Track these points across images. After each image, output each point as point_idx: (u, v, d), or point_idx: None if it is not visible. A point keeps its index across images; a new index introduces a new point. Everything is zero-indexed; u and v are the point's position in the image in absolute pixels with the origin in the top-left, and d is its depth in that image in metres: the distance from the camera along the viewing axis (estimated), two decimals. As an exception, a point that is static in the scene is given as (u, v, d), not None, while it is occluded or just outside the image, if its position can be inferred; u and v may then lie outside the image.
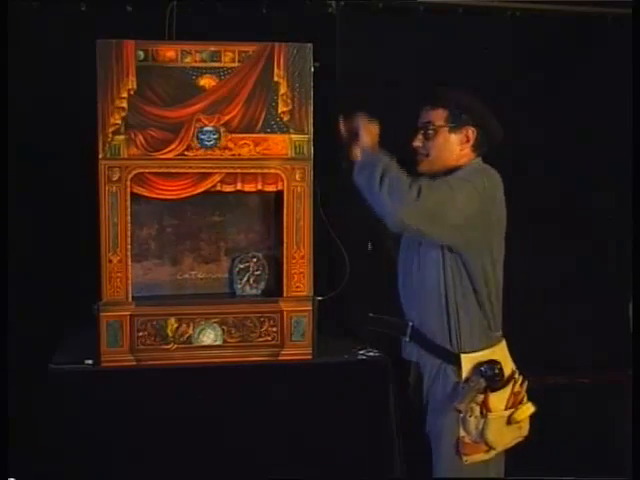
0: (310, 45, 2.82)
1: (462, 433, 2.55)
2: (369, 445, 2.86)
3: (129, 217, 2.78)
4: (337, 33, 3.42)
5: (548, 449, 3.49)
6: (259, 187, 2.88)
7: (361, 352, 2.98)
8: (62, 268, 3.27)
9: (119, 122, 2.73)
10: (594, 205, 3.79)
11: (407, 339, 2.71)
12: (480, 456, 2.57)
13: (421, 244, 2.62)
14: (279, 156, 2.83)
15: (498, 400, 2.54)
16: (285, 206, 2.86)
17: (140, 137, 2.75)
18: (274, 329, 2.88)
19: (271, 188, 2.89)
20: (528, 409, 2.58)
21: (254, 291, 2.99)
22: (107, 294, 2.78)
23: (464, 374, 2.56)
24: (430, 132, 2.60)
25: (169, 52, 2.76)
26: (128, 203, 2.77)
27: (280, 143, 2.83)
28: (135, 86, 2.73)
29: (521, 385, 2.59)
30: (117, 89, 2.71)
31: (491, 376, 2.52)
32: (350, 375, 2.89)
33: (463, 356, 2.57)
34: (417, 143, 2.64)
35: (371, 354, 2.97)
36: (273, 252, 3.01)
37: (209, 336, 2.85)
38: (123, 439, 2.70)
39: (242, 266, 2.99)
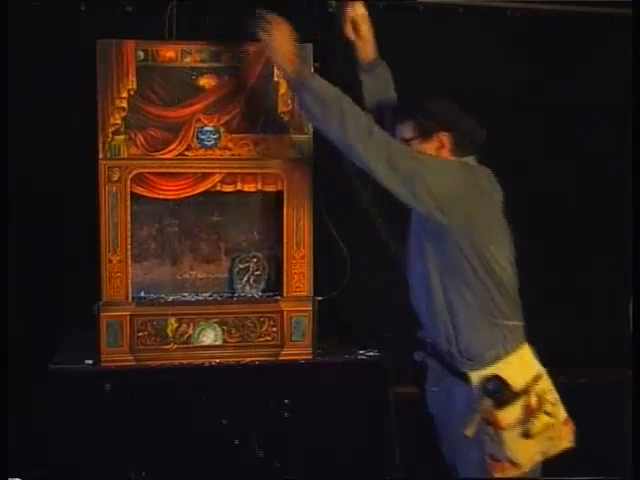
0: (310, 45, 2.83)
1: (486, 453, 2.39)
2: (369, 445, 2.86)
3: (129, 217, 2.78)
4: (337, 33, 3.42)
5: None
6: (259, 187, 2.88)
7: (361, 352, 2.98)
8: (62, 268, 3.27)
9: (119, 122, 2.73)
10: (594, 204, 3.78)
11: (427, 357, 2.58)
12: (511, 473, 2.40)
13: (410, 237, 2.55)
14: (279, 156, 2.84)
15: (508, 416, 2.36)
16: (285, 206, 2.86)
17: (140, 137, 2.75)
18: (274, 329, 2.88)
19: (271, 188, 2.89)
20: (541, 420, 2.38)
21: (254, 291, 2.99)
22: (107, 294, 2.78)
23: (475, 392, 2.40)
24: None
25: (169, 52, 2.76)
26: (128, 203, 2.77)
27: (280, 143, 2.83)
28: (135, 86, 2.73)
29: (542, 393, 2.41)
30: (117, 89, 2.71)
31: (494, 394, 2.35)
32: (350, 375, 2.89)
33: (472, 374, 2.41)
34: None
35: (371, 354, 2.97)
36: (273, 252, 3.01)
37: (209, 336, 2.85)
38: (123, 439, 2.70)
39: (242, 266, 2.99)
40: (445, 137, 2.50)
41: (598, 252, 3.79)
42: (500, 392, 2.36)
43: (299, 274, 2.88)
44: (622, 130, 3.23)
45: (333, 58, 3.37)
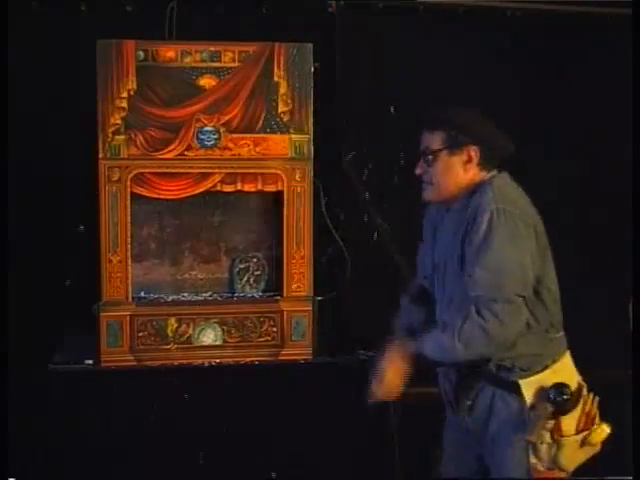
0: (310, 45, 2.83)
1: (533, 460, 2.39)
2: (369, 445, 2.86)
3: (129, 217, 2.78)
4: (337, 33, 3.42)
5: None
6: (259, 187, 2.88)
7: (361, 352, 2.98)
8: (62, 268, 3.26)
9: (119, 122, 2.73)
10: (594, 204, 3.78)
11: (456, 370, 2.51)
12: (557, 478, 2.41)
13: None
14: (279, 156, 2.84)
15: (569, 422, 2.37)
16: (285, 206, 2.86)
17: (140, 137, 2.75)
18: (274, 329, 2.88)
19: (271, 188, 2.89)
20: (604, 431, 2.40)
21: (254, 291, 2.99)
22: (107, 294, 2.78)
23: (528, 401, 2.38)
24: (429, 158, 2.44)
25: (169, 52, 2.76)
26: (128, 203, 2.77)
27: (280, 143, 2.83)
28: (135, 86, 2.73)
29: (592, 402, 2.41)
30: (117, 89, 2.71)
31: (560, 402, 2.35)
32: (350, 375, 2.89)
33: (522, 382, 2.39)
34: (419, 171, 2.48)
35: (371, 354, 2.97)
36: (273, 252, 3.01)
37: (209, 336, 2.85)
38: (123, 439, 2.71)
39: (242, 266, 2.99)
40: (474, 151, 2.44)
41: (598, 252, 3.79)
42: (565, 400, 2.36)
43: (299, 274, 2.88)
44: (622, 130, 3.23)
45: (333, 58, 3.39)
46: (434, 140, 2.47)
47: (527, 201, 2.50)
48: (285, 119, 2.82)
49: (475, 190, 2.45)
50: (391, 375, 2.40)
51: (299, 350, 2.89)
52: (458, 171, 2.46)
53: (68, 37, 3.22)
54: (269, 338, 2.88)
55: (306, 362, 2.89)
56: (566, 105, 3.72)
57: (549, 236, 3.55)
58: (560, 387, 2.37)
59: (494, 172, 2.49)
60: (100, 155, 2.74)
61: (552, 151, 3.74)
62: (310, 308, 2.88)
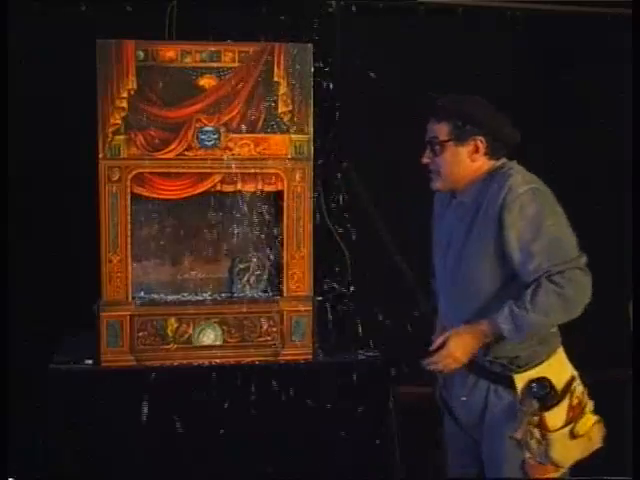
0: (310, 45, 2.83)
1: (527, 455, 2.39)
2: (369, 445, 2.86)
3: (129, 217, 2.78)
4: (337, 33, 3.42)
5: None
6: (259, 187, 2.88)
7: (361, 352, 2.98)
8: (62, 268, 3.26)
9: (119, 122, 2.73)
10: (594, 203, 3.78)
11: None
12: (550, 476, 2.42)
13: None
14: (279, 156, 2.84)
15: (555, 417, 2.38)
16: (285, 206, 2.86)
17: (140, 137, 2.76)
18: (274, 329, 2.88)
19: (271, 188, 2.89)
20: (589, 420, 2.42)
21: (254, 291, 2.99)
22: (107, 294, 2.78)
23: (519, 395, 2.39)
24: (437, 148, 2.45)
25: (169, 52, 2.76)
26: (128, 203, 2.77)
27: (280, 143, 2.83)
28: (135, 86, 2.73)
29: (581, 394, 2.43)
30: (117, 89, 2.72)
31: (543, 396, 2.37)
32: (350, 375, 2.89)
33: (517, 377, 2.40)
34: (426, 160, 2.49)
35: (371, 354, 2.97)
36: (273, 252, 3.01)
37: (209, 336, 2.85)
38: (123, 439, 2.71)
39: (242, 266, 2.99)
40: (480, 141, 2.46)
41: (598, 252, 3.78)
42: (547, 394, 2.37)
43: (299, 274, 2.88)
44: (621, 130, 3.23)
45: (333, 58, 3.39)
46: (441, 131, 2.47)
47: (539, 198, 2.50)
48: (285, 119, 2.82)
49: (487, 178, 2.45)
50: (453, 346, 2.39)
51: (299, 350, 2.89)
52: (465, 161, 2.47)
53: (68, 37, 3.23)
54: (269, 338, 2.88)
55: (306, 362, 2.89)
56: (565, 105, 3.72)
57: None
58: (542, 381, 2.38)
59: (503, 160, 2.50)
60: (100, 155, 2.74)
61: (551, 151, 3.74)
62: (310, 308, 2.88)
